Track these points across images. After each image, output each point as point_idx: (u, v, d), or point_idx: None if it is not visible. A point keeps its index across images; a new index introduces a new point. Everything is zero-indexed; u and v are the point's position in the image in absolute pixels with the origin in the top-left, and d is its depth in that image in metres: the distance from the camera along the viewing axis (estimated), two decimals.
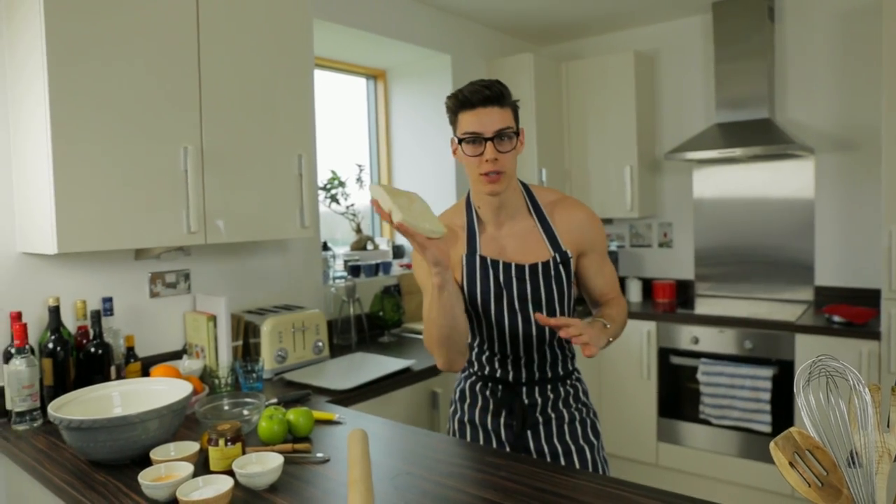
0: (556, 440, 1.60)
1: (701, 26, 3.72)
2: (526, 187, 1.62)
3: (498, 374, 1.63)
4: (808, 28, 3.40)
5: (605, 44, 4.09)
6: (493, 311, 1.58)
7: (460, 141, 1.48)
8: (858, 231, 3.33)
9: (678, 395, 3.33)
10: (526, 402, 1.61)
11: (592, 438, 1.64)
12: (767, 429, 3.00)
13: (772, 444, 0.97)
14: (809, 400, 1.02)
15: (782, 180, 3.51)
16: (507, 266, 1.55)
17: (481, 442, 1.65)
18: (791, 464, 0.98)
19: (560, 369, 1.64)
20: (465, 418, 1.69)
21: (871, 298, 3.16)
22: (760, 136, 3.24)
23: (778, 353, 3.01)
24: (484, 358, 1.66)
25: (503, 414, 1.63)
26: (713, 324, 3.19)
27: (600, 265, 1.63)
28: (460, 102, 1.46)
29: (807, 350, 2.91)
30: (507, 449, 1.61)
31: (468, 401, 1.69)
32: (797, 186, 3.47)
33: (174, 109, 1.95)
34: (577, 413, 1.64)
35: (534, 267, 1.54)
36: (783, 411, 2.98)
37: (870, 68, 3.22)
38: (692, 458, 3.28)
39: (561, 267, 1.55)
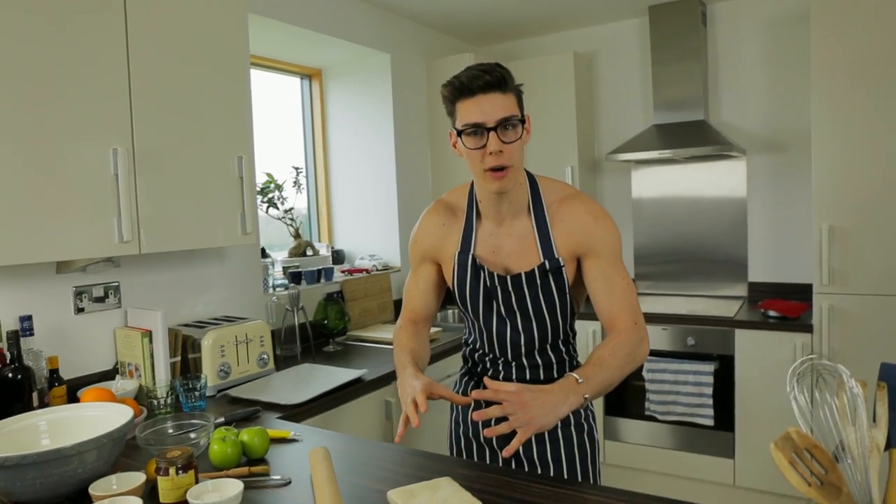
0: (549, 458, 1.52)
1: (638, 29, 3.78)
2: (533, 181, 1.47)
3: (490, 374, 1.55)
4: (739, 33, 3.51)
5: (545, 45, 4.10)
6: (482, 315, 1.51)
7: (459, 133, 1.33)
8: (789, 228, 3.45)
9: (623, 393, 3.35)
10: None
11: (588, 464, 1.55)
12: (710, 422, 3.06)
13: (771, 444, 0.95)
14: (799, 399, 1.01)
15: (717, 180, 3.60)
16: (490, 275, 1.46)
17: (475, 458, 1.58)
18: (791, 463, 0.96)
19: (556, 375, 1.50)
20: (461, 431, 1.63)
21: (802, 293, 3.28)
22: (696, 138, 3.31)
23: (719, 348, 3.08)
24: (477, 356, 1.59)
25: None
26: (656, 321, 3.23)
27: (604, 274, 1.42)
28: (457, 90, 1.32)
29: (746, 344, 2.99)
30: (501, 462, 1.53)
31: (461, 417, 1.63)
32: (731, 186, 3.57)
33: (101, 106, 1.78)
34: (574, 432, 1.53)
35: (516, 278, 1.44)
36: (724, 405, 3.05)
37: (798, 73, 3.34)
38: (637, 453, 3.31)
39: (550, 276, 1.42)
